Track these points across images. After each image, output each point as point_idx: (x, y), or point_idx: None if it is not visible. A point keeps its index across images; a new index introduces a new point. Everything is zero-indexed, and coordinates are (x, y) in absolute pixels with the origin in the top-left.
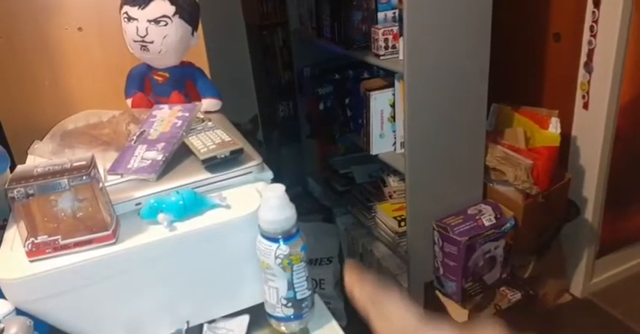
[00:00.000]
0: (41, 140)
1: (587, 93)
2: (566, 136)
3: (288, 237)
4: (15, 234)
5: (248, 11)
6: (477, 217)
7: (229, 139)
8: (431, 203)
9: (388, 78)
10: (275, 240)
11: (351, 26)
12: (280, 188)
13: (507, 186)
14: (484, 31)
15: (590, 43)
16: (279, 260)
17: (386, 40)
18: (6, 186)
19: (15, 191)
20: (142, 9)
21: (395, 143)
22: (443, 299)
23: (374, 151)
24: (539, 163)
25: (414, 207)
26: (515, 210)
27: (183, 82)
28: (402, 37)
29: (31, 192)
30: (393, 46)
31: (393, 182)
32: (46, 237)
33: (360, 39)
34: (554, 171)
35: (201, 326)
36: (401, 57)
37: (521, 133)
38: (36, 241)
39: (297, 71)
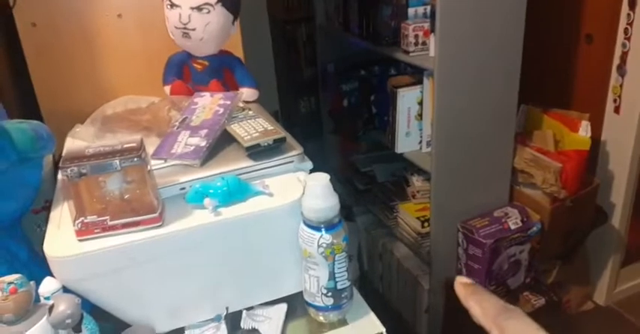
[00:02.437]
0: (82, 124)
1: (619, 97)
2: (595, 140)
3: (330, 226)
4: (61, 213)
5: (272, 5)
6: (503, 220)
7: (272, 128)
8: (456, 204)
9: (416, 75)
10: (318, 228)
11: (379, 22)
12: (325, 177)
13: (535, 189)
14: (517, 29)
15: (624, 45)
16: (321, 249)
17: (416, 36)
18: (60, 165)
19: (69, 170)
20: None
21: (421, 141)
22: None
23: (399, 149)
24: (568, 167)
25: (439, 207)
26: (541, 214)
27: (221, 70)
28: (433, 34)
29: (84, 171)
30: (423, 43)
31: (416, 181)
32: (95, 217)
33: (389, 35)
34: (583, 175)
35: (239, 312)
36: (431, 54)
37: (550, 136)
38: (85, 220)
39: (320, 67)
